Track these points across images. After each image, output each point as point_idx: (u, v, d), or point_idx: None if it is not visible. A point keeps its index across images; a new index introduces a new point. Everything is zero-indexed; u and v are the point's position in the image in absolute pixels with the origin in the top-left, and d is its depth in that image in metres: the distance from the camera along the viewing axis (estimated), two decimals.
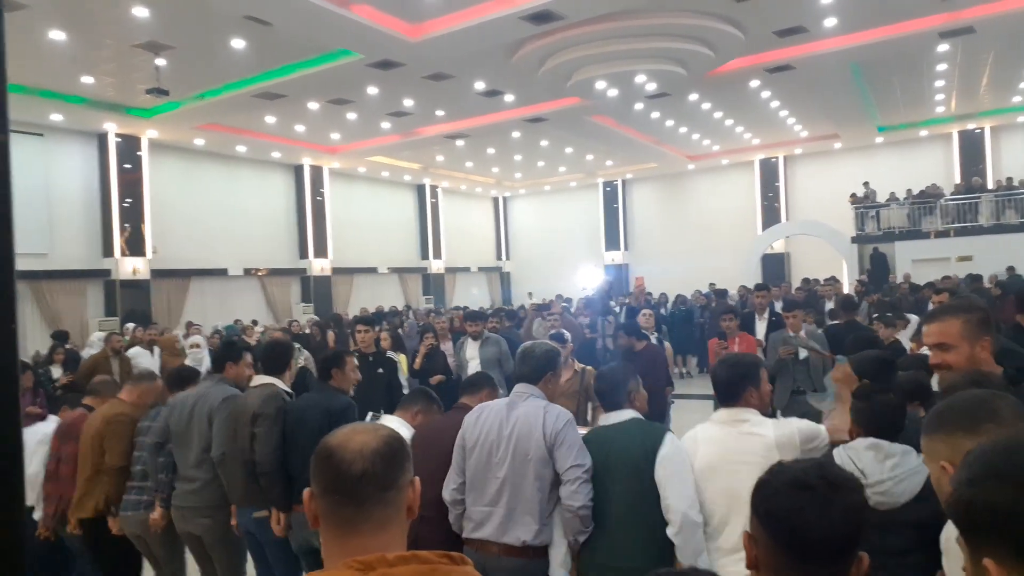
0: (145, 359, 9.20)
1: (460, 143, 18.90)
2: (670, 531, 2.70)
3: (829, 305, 11.59)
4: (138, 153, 16.03)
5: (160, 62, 11.41)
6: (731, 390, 2.79)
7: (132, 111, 14.40)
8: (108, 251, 15.65)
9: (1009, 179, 18.78)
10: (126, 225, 15.74)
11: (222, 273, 18.30)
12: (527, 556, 2.93)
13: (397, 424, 3.60)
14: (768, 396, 2.84)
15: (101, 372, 5.24)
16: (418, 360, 7.57)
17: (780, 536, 1.27)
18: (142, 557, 4.52)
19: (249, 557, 4.28)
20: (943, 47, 13.17)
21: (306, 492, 1.35)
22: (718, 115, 17.92)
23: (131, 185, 15.87)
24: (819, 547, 1.25)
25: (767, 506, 1.30)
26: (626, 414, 3.00)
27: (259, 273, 19.22)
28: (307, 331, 12.47)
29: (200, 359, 9.75)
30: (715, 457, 2.73)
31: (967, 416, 1.52)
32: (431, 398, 3.82)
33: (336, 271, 21.17)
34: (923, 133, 20.70)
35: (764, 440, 2.64)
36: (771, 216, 23.12)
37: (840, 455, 2.45)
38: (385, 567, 1.19)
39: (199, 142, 16.96)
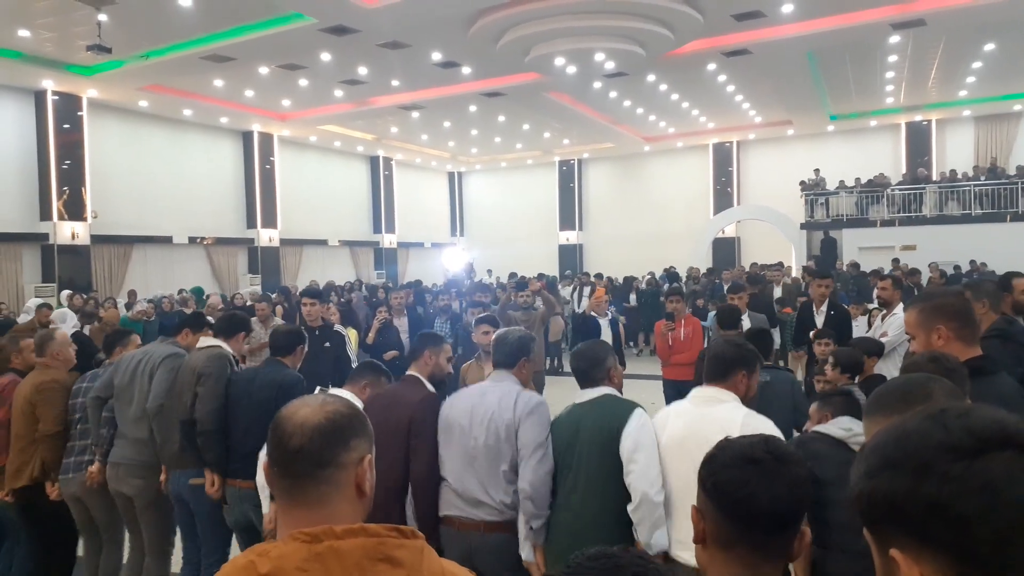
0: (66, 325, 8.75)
1: (415, 115, 18.63)
2: (629, 507, 2.73)
3: (778, 291, 11.77)
4: (78, 113, 15.40)
5: (102, 17, 10.89)
6: (724, 368, 2.75)
7: (72, 68, 13.78)
8: (45, 214, 15.05)
9: (952, 171, 19.34)
10: (65, 188, 15.13)
11: (166, 241, 17.80)
12: (510, 531, 3.00)
13: (347, 398, 3.50)
14: (755, 390, 2.81)
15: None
16: (371, 335, 7.63)
17: (727, 508, 1.29)
18: (78, 534, 4.41)
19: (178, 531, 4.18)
20: (895, 38, 13.42)
21: (267, 459, 1.34)
22: (675, 97, 18.00)
23: (70, 146, 15.25)
24: (765, 519, 1.27)
25: (715, 479, 1.32)
26: (600, 390, 3.02)
27: (205, 242, 18.74)
28: (248, 303, 12.13)
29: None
30: (680, 433, 2.72)
31: (902, 398, 1.64)
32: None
33: (285, 242, 20.77)
34: (873, 123, 21.17)
35: (729, 423, 2.52)
36: (723, 200, 23.43)
37: (830, 430, 2.65)
38: (332, 539, 1.18)
39: (143, 104, 16.37)
